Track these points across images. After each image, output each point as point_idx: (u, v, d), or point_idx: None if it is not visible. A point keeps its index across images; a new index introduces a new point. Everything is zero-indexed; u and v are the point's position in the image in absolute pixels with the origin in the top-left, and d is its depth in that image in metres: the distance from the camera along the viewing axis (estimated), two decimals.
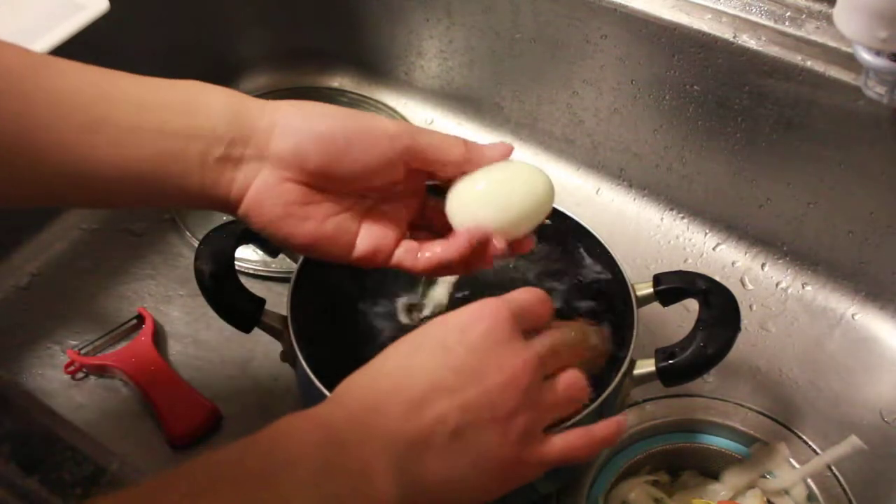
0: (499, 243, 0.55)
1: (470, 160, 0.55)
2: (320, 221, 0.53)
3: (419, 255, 0.56)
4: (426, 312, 0.70)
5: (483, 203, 0.55)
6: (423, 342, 0.48)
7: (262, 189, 0.52)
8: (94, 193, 0.51)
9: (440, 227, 0.57)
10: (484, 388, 0.46)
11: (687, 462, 0.73)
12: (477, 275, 0.72)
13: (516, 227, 0.56)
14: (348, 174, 0.52)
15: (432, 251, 0.56)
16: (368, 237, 0.55)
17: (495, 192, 0.55)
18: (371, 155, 0.52)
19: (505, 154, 0.56)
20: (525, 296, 0.52)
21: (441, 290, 0.71)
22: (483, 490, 0.48)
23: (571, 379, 0.51)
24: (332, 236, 0.54)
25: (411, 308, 0.70)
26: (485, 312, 0.49)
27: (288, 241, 0.54)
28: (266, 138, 0.51)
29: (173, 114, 0.50)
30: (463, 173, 0.56)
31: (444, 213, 0.57)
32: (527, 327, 0.50)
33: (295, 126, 0.51)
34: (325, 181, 0.53)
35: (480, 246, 0.55)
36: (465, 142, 0.55)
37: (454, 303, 0.70)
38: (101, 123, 0.48)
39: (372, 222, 0.55)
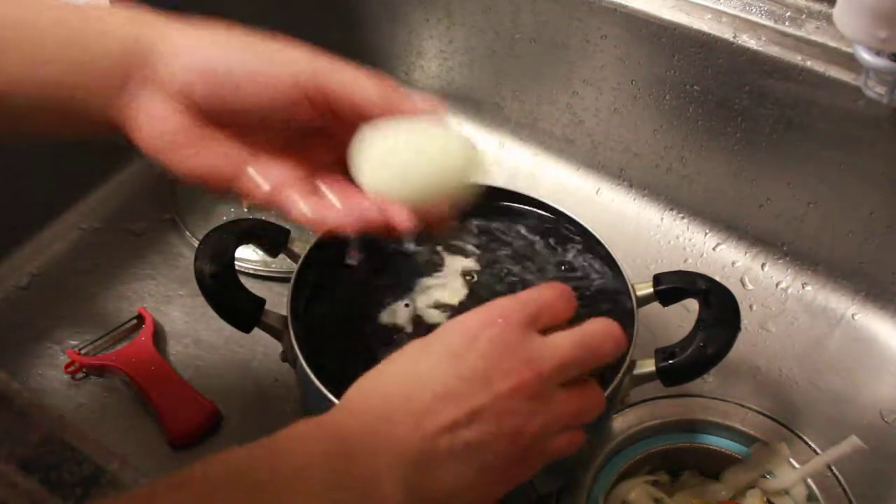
0: (405, 219, 0.47)
1: (386, 106, 0.47)
2: (210, 156, 0.49)
3: (309, 207, 0.49)
4: (429, 311, 0.70)
5: (388, 163, 0.48)
6: (432, 348, 0.47)
7: (151, 117, 0.49)
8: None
9: None
10: (491, 396, 0.46)
11: (687, 462, 0.73)
12: (481, 274, 0.72)
13: (425, 198, 0.48)
14: (240, 111, 0.48)
15: (323, 211, 0.49)
16: (262, 172, 0.50)
17: (404, 152, 0.48)
18: (266, 94, 0.47)
19: (429, 108, 0.48)
20: (544, 294, 0.50)
21: (446, 290, 0.71)
22: (488, 492, 0.47)
23: (589, 391, 0.50)
24: (217, 168, 0.49)
25: (413, 307, 0.70)
26: (495, 317, 0.48)
27: (176, 172, 0.50)
28: (162, 64, 0.48)
29: (73, 40, 0.48)
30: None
31: None
32: (544, 326, 0.49)
33: (189, 55, 0.48)
34: (218, 116, 0.49)
35: (383, 219, 0.48)
36: (386, 85, 0.48)
37: (459, 305, 0.70)
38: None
39: (271, 158, 0.50)
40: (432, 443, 0.45)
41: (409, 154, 0.48)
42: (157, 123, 0.49)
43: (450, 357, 0.46)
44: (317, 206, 0.49)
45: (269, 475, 0.41)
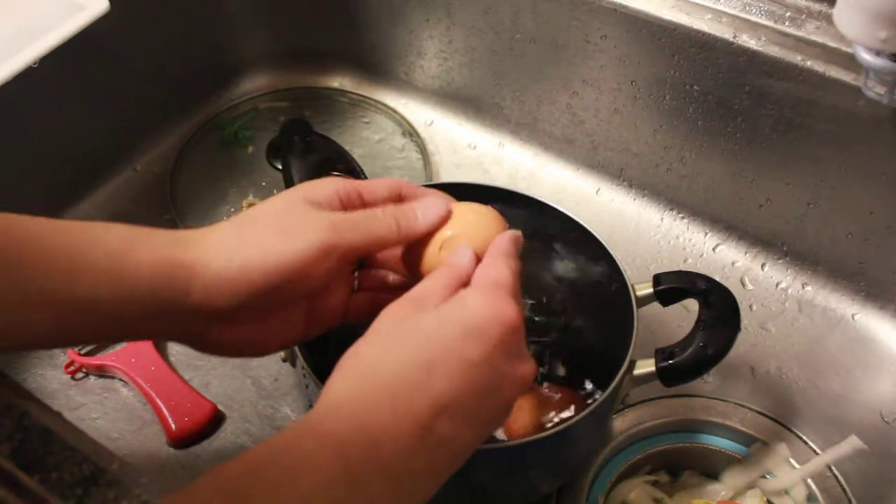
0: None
1: (404, 239, 0.54)
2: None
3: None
4: None
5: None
6: (441, 352, 0.45)
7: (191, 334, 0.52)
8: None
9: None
10: (497, 403, 0.46)
11: (687, 462, 0.73)
12: None
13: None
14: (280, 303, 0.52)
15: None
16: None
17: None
18: (295, 289, 0.51)
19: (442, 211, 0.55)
20: (514, 267, 0.51)
21: None
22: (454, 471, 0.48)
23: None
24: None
25: None
26: (500, 317, 0.47)
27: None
28: (196, 299, 0.50)
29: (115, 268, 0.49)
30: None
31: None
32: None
33: (216, 291, 0.50)
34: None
35: None
36: (400, 223, 0.54)
37: None
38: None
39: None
40: (433, 456, 0.44)
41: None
42: (203, 339, 0.52)
43: (466, 367, 0.45)
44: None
45: (271, 501, 0.40)
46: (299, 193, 0.53)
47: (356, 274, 0.58)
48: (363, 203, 0.55)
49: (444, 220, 0.54)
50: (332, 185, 0.54)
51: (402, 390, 0.45)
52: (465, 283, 0.50)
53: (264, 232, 0.51)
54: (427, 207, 0.54)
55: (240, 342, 0.53)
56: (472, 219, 0.55)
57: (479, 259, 0.52)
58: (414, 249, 0.55)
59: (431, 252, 0.54)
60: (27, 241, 0.48)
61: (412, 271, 0.54)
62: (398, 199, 0.56)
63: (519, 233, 0.54)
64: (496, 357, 0.46)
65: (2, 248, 0.47)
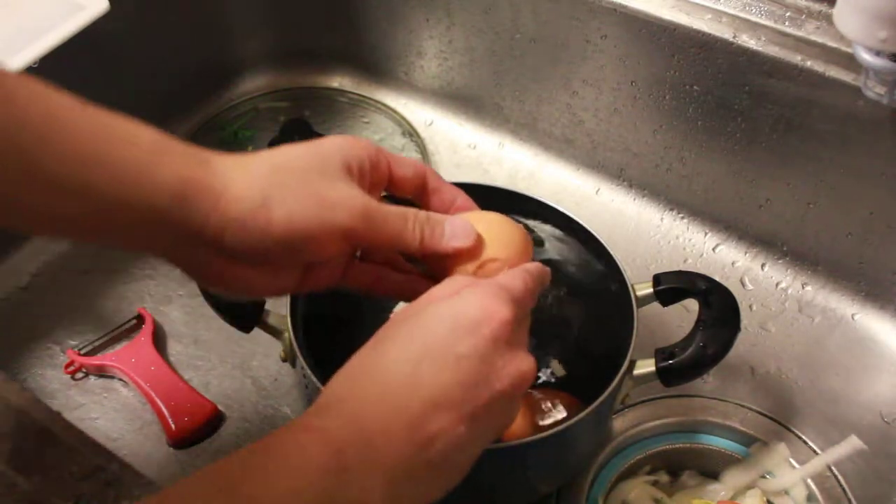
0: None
1: (428, 249, 0.53)
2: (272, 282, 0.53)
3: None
4: None
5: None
6: (431, 346, 0.46)
7: (193, 262, 0.51)
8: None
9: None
10: (489, 395, 0.46)
11: (687, 462, 0.73)
12: None
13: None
14: (287, 263, 0.52)
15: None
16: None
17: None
18: (313, 250, 0.50)
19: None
20: (535, 286, 0.51)
21: None
22: (461, 474, 0.47)
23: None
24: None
25: None
26: (493, 313, 0.47)
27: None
28: (210, 229, 0.48)
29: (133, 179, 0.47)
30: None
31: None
32: (528, 309, 0.51)
33: (239, 227, 0.48)
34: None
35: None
36: (428, 229, 0.53)
37: None
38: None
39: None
40: (422, 451, 0.44)
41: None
42: (197, 267, 0.51)
43: (453, 361, 0.45)
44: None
45: (262, 490, 0.40)
46: (336, 150, 0.52)
47: None
48: (391, 178, 0.55)
49: (469, 251, 0.53)
50: (366, 151, 0.53)
51: (393, 387, 0.45)
52: None
53: (296, 190, 0.49)
54: (455, 233, 0.53)
55: (229, 280, 0.51)
56: (514, 241, 0.55)
57: None
58: (442, 259, 0.54)
59: (465, 270, 0.54)
60: (43, 106, 0.45)
61: (437, 274, 0.54)
62: (422, 184, 0.57)
63: (549, 269, 0.54)
64: (487, 350, 0.46)
65: (10, 116, 0.44)
